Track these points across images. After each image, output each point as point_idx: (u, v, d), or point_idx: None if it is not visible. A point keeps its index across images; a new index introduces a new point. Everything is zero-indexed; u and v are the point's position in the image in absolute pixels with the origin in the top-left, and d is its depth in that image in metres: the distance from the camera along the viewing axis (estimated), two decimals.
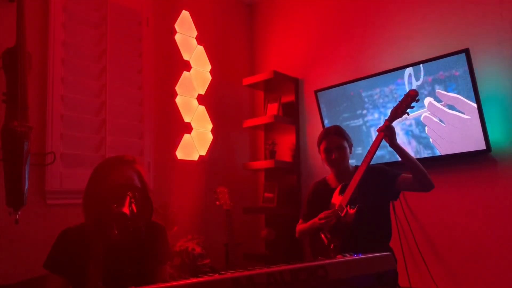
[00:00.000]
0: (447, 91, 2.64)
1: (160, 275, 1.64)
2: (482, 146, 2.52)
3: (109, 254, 1.42)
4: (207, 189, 3.49)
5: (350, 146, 2.33)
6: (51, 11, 2.73)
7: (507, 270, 2.47)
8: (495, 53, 2.59)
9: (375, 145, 2.12)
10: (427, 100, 2.72)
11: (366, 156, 2.14)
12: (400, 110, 2.11)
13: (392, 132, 2.09)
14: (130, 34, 3.20)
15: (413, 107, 2.10)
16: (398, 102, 2.13)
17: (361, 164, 2.15)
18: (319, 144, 2.36)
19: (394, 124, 2.12)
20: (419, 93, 2.09)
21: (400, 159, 2.14)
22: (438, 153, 2.72)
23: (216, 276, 0.93)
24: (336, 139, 2.28)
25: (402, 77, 2.84)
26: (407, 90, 2.78)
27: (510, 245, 2.48)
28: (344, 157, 2.27)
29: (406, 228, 2.85)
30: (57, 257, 1.50)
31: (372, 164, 2.19)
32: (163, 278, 1.63)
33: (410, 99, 2.09)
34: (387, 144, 2.12)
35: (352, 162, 2.38)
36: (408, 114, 2.12)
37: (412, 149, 2.81)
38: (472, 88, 2.52)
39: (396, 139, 2.10)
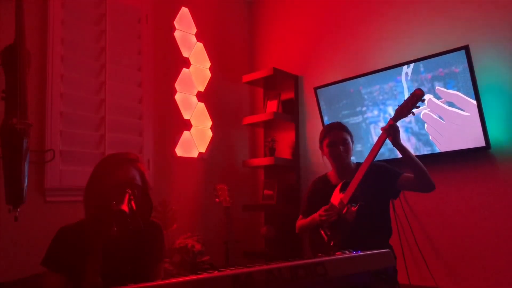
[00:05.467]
0: (446, 88, 2.64)
1: (157, 273, 1.66)
2: (481, 143, 2.52)
3: (108, 251, 1.42)
4: (206, 186, 3.50)
5: (352, 142, 2.34)
6: (50, 8, 2.73)
7: (506, 266, 2.48)
8: (495, 50, 2.58)
9: (379, 144, 2.11)
10: (427, 97, 2.71)
11: (369, 154, 2.13)
12: (405, 109, 2.09)
13: (396, 131, 2.08)
14: (130, 31, 3.19)
15: (418, 106, 2.09)
16: (403, 101, 2.12)
17: (364, 162, 2.14)
18: (322, 140, 2.34)
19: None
20: (424, 93, 2.07)
21: (400, 156, 2.14)
22: (437, 150, 2.72)
23: (216, 273, 0.93)
24: (340, 133, 2.29)
25: (402, 74, 2.83)
26: (404, 87, 2.78)
27: (509, 242, 2.48)
28: (348, 151, 2.29)
29: (406, 225, 2.85)
30: (55, 255, 1.51)
31: (374, 162, 2.18)
32: (159, 276, 1.65)
33: (416, 98, 2.07)
34: (388, 142, 2.11)
35: (352, 159, 2.38)
36: (414, 114, 2.11)
37: (411, 146, 2.81)
38: (471, 85, 2.52)
39: (400, 138, 2.09)
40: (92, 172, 1.61)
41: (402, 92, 2.82)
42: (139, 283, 0.87)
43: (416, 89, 2.09)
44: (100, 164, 1.63)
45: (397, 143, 2.08)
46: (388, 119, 2.12)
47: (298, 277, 0.99)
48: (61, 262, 1.49)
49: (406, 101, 2.10)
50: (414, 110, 2.09)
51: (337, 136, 2.28)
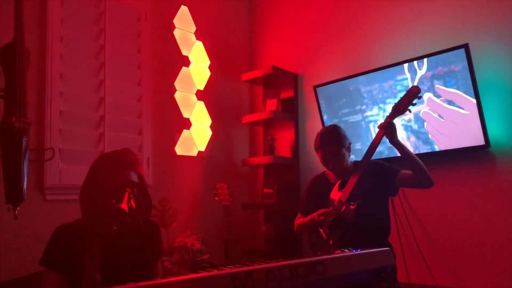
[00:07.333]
0: (446, 87, 2.64)
1: (156, 271, 1.67)
2: (481, 141, 2.52)
3: (107, 250, 1.42)
4: (206, 185, 3.50)
5: (348, 146, 2.28)
6: (49, 6, 2.72)
7: (505, 265, 2.48)
8: (494, 48, 2.58)
9: (376, 142, 2.11)
10: (426, 96, 2.71)
11: (366, 152, 2.14)
12: (402, 107, 2.09)
13: (393, 129, 2.08)
14: (129, 29, 3.19)
15: (415, 103, 2.09)
16: (400, 98, 2.12)
17: (361, 160, 2.15)
18: (315, 150, 2.33)
19: (394, 119, 2.11)
20: (420, 90, 2.08)
21: (399, 155, 2.14)
22: (437, 149, 2.72)
23: (215, 272, 0.94)
24: (332, 150, 2.22)
25: (401, 73, 2.83)
26: (410, 83, 2.78)
27: (508, 240, 2.49)
28: (341, 164, 2.24)
29: (405, 224, 2.85)
30: (52, 254, 1.51)
31: (372, 160, 2.18)
32: (158, 274, 1.66)
33: (412, 95, 2.07)
34: (387, 140, 2.11)
35: (352, 157, 2.37)
36: (410, 111, 2.11)
37: (411, 144, 2.81)
38: (471, 84, 2.51)
39: (396, 136, 2.09)
40: (89, 172, 1.60)
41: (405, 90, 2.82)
42: (138, 282, 0.87)
43: (412, 86, 2.10)
44: (97, 165, 1.61)
45: (394, 141, 2.09)
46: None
47: (297, 275, 0.99)
48: (59, 261, 1.49)
49: (402, 98, 2.11)
50: (411, 108, 2.09)
51: (327, 153, 2.23)
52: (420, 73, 2.75)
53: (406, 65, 2.81)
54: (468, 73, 2.52)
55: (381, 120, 2.93)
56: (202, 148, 3.59)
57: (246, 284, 0.92)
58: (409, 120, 2.82)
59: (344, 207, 2.08)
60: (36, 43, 2.65)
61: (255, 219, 3.83)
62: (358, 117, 3.09)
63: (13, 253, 2.40)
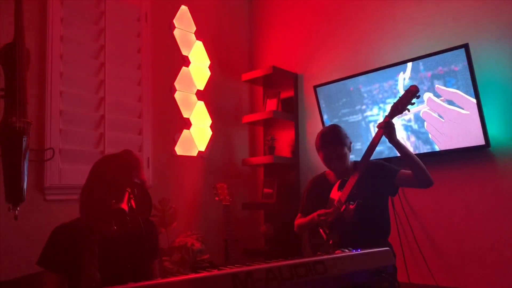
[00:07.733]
0: (446, 87, 2.64)
1: (154, 271, 1.69)
2: (481, 141, 2.52)
3: (107, 250, 1.42)
4: (206, 185, 3.50)
5: (349, 146, 2.28)
6: (49, 6, 2.72)
7: (505, 265, 2.48)
8: (494, 48, 2.58)
9: (375, 142, 2.12)
10: (426, 96, 2.71)
11: (365, 152, 2.14)
12: (400, 106, 2.10)
13: (392, 128, 2.08)
14: (129, 29, 3.19)
15: (413, 103, 2.09)
16: (398, 98, 2.13)
17: (361, 160, 2.15)
18: (317, 151, 2.33)
19: (393, 119, 2.12)
20: (419, 89, 2.08)
21: (399, 155, 2.14)
22: (437, 149, 2.72)
23: (215, 272, 0.94)
24: (334, 149, 2.22)
25: (402, 73, 2.83)
26: (400, 92, 2.79)
27: (508, 240, 2.49)
28: (343, 164, 2.24)
29: (405, 224, 2.85)
30: (50, 255, 1.51)
31: (371, 160, 2.18)
32: (156, 273, 1.68)
33: (411, 95, 2.08)
34: (387, 140, 2.11)
35: (352, 157, 2.37)
36: (409, 111, 2.12)
37: (411, 144, 2.81)
38: (471, 84, 2.51)
39: (396, 135, 2.09)
40: (90, 174, 1.60)
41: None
42: (138, 282, 0.87)
43: (411, 86, 2.10)
44: (99, 168, 1.61)
45: (393, 140, 2.09)
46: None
47: (298, 275, 0.99)
48: (57, 262, 1.49)
49: (401, 97, 2.11)
50: (410, 107, 2.10)
51: (330, 153, 2.23)
52: (404, 75, 2.77)
53: (402, 73, 2.81)
54: (468, 73, 2.52)
55: (381, 120, 2.93)
56: (202, 148, 3.59)
57: (246, 284, 0.92)
58: (409, 120, 2.82)
59: (343, 207, 2.08)
60: (36, 43, 2.65)
61: (255, 219, 3.83)
62: (358, 117, 3.09)
63: (13, 253, 2.40)
